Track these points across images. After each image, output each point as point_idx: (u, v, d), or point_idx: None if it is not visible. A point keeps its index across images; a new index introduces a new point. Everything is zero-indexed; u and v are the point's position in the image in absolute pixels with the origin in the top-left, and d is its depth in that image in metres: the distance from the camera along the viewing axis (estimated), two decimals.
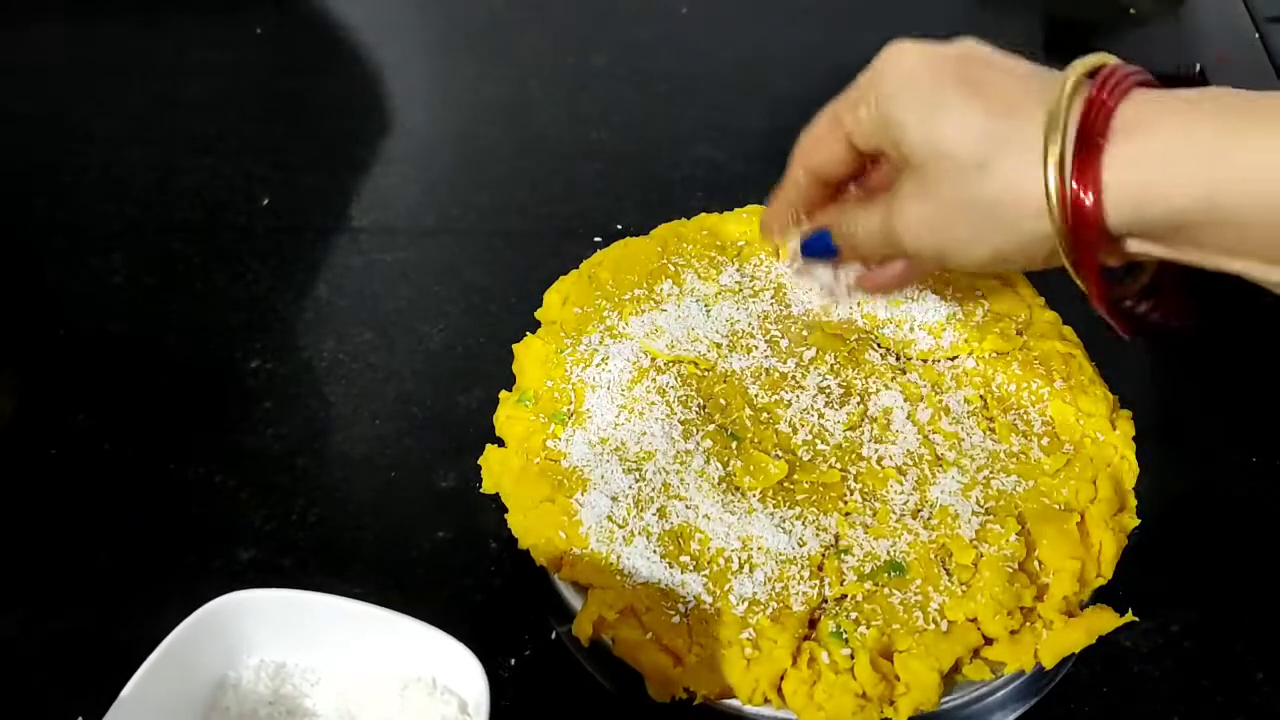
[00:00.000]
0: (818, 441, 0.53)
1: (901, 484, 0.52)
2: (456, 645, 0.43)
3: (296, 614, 0.45)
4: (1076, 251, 0.37)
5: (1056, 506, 0.51)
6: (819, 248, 0.48)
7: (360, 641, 0.45)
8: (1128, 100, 0.36)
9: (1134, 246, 0.37)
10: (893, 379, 0.56)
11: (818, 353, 0.56)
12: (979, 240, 0.39)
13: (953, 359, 0.57)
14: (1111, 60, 0.38)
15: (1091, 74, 0.37)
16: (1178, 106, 0.35)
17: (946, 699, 0.47)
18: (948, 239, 0.40)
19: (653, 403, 0.54)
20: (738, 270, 0.60)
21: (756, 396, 0.55)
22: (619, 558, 0.49)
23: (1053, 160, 0.36)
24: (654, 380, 0.55)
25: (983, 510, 0.51)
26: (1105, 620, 0.48)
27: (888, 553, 0.50)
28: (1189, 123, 0.34)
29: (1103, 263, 0.37)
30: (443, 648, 0.43)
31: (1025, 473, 0.52)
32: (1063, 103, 0.36)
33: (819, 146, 0.45)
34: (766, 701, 0.47)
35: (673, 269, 0.60)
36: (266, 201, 0.74)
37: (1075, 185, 0.36)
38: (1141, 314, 0.40)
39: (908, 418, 0.54)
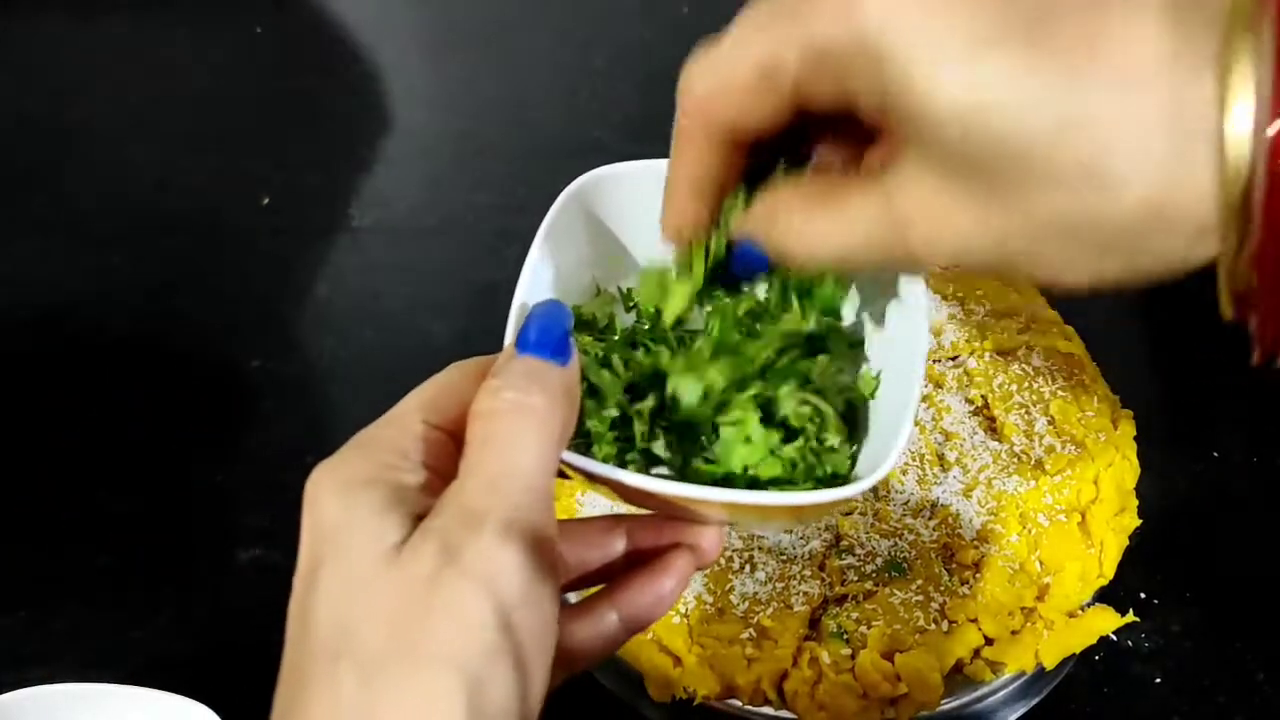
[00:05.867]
0: None
1: (903, 483, 0.52)
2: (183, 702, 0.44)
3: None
4: (1264, 282, 0.23)
5: (1058, 506, 0.51)
6: (749, 262, 0.32)
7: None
8: None
9: None
10: None
11: None
12: (1077, 267, 0.25)
13: (954, 358, 0.57)
14: None
15: None
16: None
17: (947, 699, 0.47)
18: (1025, 260, 0.26)
19: None
20: None
21: None
22: None
23: (1235, 154, 0.22)
24: None
25: (984, 510, 0.51)
26: (1106, 620, 0.49)
27: (889, 552, 0.50)
28: None
29: None
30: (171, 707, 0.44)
31: (1027, 472, 0.52)
32: (1246, 59, 0.22)
33: (739, 99, 0.28)
34: (767, 701, 0.47)
35: None
36: (267, 201, 0.74)
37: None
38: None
39: None
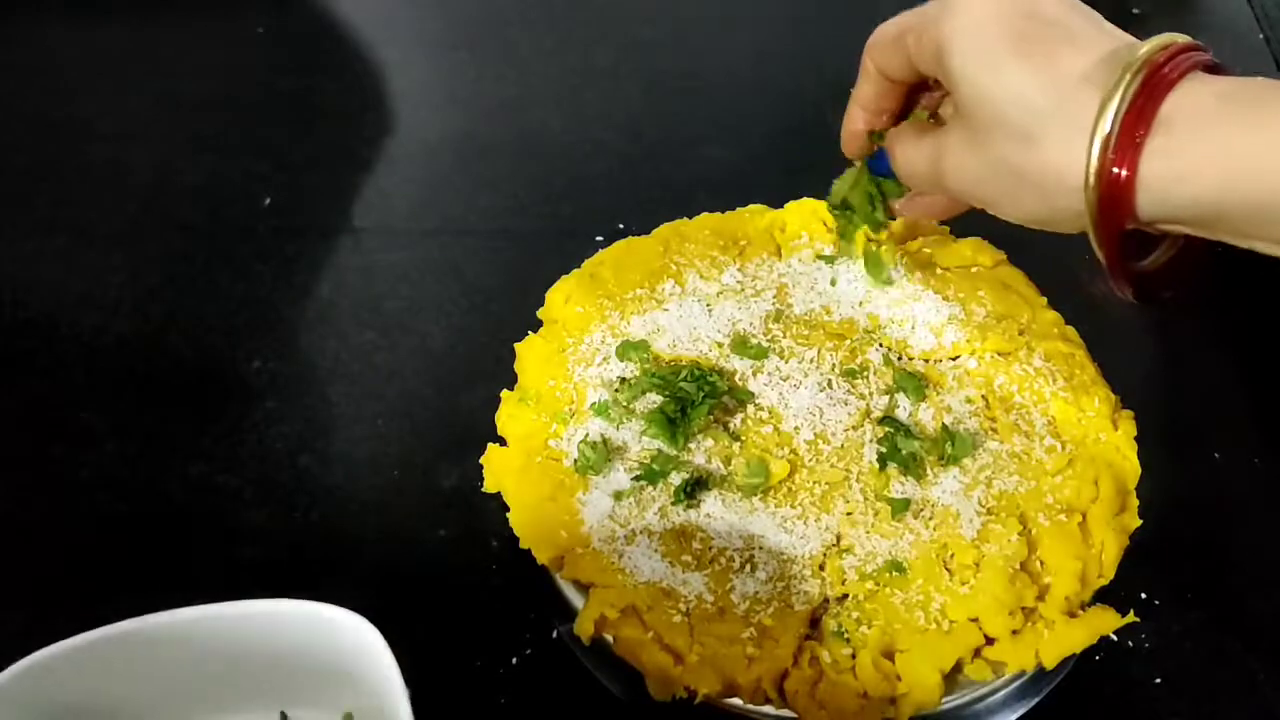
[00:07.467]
0: (820, 441, 0.53)
1: (903, 483, 0.52)
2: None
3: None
4: (1103, 230, 0.38)
5: (1058, 507, 0.51)
6: (883, 167, 0.49)
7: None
8: (1179, 89, 0.36)
9: (1164, 227, 0.39)
10: (895, 379, 0.56)
11: (819, 352, 0.56)
12: (1017, 203, 0.41)
13: (955, 359, 0.57)
14: (1179, 40, 0.38)
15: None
16: (1214, 99, 0.36)
17: (948, 699, 0.47)
18: (989, 194, 0.42)
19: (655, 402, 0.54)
20: (739, 270, 0.60)
21: (758, 396, 0.55)
22: (620, 556, 0.49)
23: (1098, 146, 0.37)
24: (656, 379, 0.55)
25: (984, 510, 0.51)
26: (1106, 620, 0.49)
27: (889, 552, 0.50)
28: (1222, 116, 0.35)
29: (1128, 235, 0.39)
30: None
31: (1027, 473, 0.52)
32: (1120, 90, 0.36)
33: (887, 51, 0.46)
34: (768, 701, 0.47)
35: (675, 268, 0.60)
36: (268, 201, 0.74)
37: (1114, 172, 0.36)
38: (1155, 289, 0.41)
39: (909, 417, 0.54)
